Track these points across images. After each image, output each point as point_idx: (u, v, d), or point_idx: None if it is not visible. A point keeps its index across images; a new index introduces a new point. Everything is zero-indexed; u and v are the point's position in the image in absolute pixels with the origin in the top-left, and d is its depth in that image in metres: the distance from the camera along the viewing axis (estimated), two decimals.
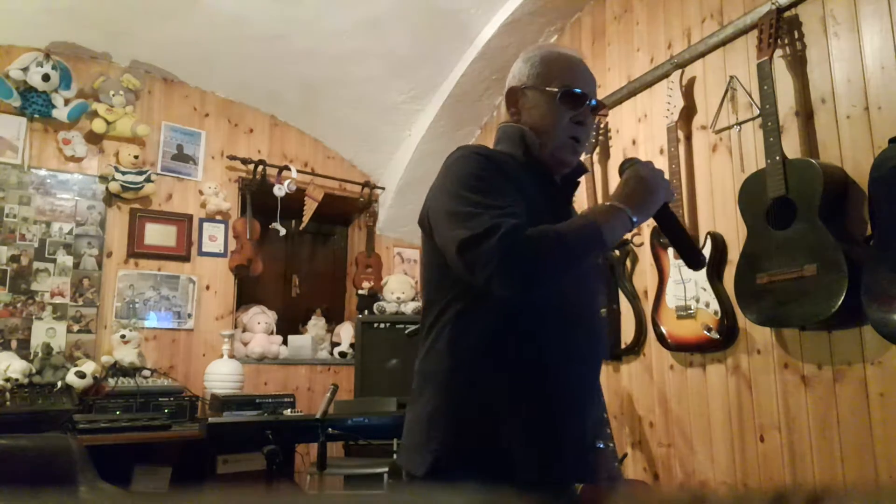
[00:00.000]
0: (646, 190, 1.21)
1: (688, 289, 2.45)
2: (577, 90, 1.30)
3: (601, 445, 1.32)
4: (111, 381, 3.22)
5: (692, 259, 1.27)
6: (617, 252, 2.90)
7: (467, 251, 1.09)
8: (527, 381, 1.17)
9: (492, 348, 1.18)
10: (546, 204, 1.24)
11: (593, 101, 1.32)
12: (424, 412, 1.20)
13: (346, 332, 4.29)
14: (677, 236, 1.27)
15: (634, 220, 1.17)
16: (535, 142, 1.30)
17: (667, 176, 2.51)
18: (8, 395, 2.77)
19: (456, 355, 1.19)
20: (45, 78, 3.39)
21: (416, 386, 1.26)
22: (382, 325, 3.64)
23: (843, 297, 1.86)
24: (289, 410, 3.08)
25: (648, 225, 2.76)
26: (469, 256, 1.09)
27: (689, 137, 2.65)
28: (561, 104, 1.29)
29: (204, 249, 3.90)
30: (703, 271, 2.40)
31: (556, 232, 1.12)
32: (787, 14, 2.24)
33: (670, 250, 2.52)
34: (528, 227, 1.10)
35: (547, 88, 1.30)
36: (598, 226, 1.15)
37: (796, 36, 2.24)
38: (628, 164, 1.27)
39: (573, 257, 1.14)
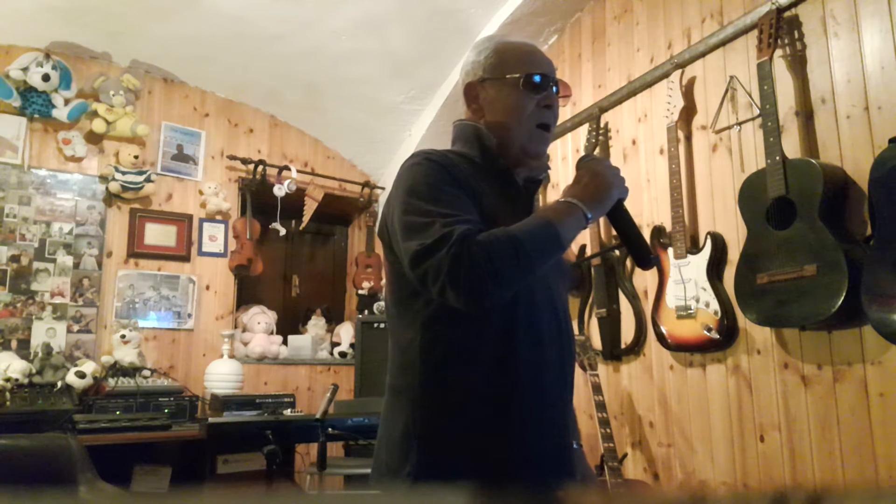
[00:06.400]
0: (600, 185, 1.16)
1: (688, 289, 2.45)
2: (540, 73, 1.25)
3: (575, 446, 1.29)
4: (111, 381, 3.22)
5: (642, 259, 1.22)
6: (617, 252, 2.90)
7: (419, 263, 1.05)
8: (503, 387, 1.12)
9: (464, 357, 1.13)
10: (505, 205, 1.19)
11: (555, 87, 1.27)
12: (397, 430, 1.15)
13: (346, 332, 4.29)
14: (629, 235, 1.23)
15: (589, 216, 1.13)
16: (492, 140, 1.23)
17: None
18: (8, 395, 2.77)
19: (427, 367, 1.14)
20: (45, 78, 3.39)
21: (387, 402, 1.21)
22: (382, 325, 3.63)
23: (843, 297, 1.86)
24: (289, 410, 3.08)
25: (648, 225, 2.76)
26: (421, 269, 1.05)
27: (689, 137, 2.65)
28: (525, 90, 1.23)
29: (204, 249, 3.90)
30: (704, 271, 2.40)
31: (510, 235, 1.06)
32: (787, 14, 2.24)
33: (670, 250, 2.52)
34: (482, 232, 1.05)
35: (507, 76, 1.24)
36: (555, 226, 1.09)
37: (796, 36, 2.24)
38: (584, 161, 1.23)
39: (529, 262, 1.07)
